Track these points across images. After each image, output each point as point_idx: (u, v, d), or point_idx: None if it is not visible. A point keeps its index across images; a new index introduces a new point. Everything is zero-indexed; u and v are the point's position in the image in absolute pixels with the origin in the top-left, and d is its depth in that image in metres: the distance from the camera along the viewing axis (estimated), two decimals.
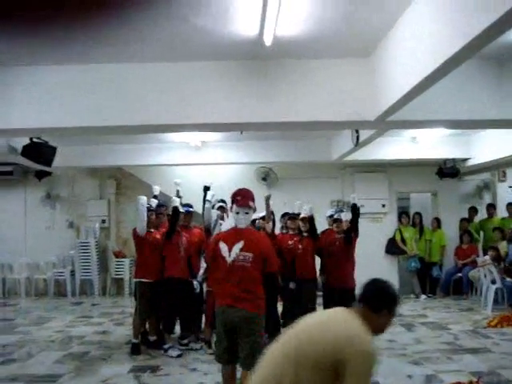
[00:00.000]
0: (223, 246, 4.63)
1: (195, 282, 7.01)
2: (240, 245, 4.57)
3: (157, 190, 8.01)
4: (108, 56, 5.36)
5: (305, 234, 7.16)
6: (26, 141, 7.56)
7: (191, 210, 7.68)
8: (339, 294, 7.00)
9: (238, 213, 4.69)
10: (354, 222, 7.07)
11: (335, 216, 7.28)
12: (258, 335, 4.57)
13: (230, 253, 4.57)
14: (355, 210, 7.12)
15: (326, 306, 7.46)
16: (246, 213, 4.70)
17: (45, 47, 5.07)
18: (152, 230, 7.11)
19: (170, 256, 6.84)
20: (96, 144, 9.76)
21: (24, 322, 9.19)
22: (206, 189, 7.23)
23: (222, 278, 4.62)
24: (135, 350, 6.89)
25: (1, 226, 12.05)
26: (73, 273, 12.00)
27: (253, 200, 4.78)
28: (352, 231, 7.05)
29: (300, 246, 7.10)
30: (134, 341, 6.98)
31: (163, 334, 7.03)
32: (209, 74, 5.55)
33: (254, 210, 4.82)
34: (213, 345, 6.94)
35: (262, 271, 4.63)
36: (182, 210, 7.00)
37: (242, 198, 4.74)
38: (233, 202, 4.76)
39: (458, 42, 3.43)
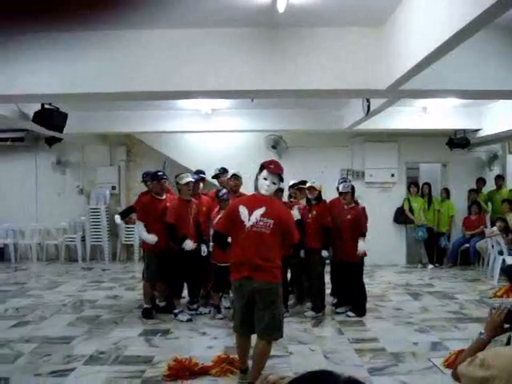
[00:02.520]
0: (243, 210, 4.51)
1: (203, 247, 7.03)
2: (261, 210, 4.46)
3: (117, 219, 8.33)
4: (120, 22, 5.32)
5: (313, 202, 7.19)
6: (38, 107, 7.59)
7: (202, 176, 7.67)
8: (347, 268, 7.08)
9: (266, 179, 4.54)
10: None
11: (340, 189, 7.25)
12: (278, 305, 4.55)
13: (250, 217, 4.45)
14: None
15: (334, 278, 7.56)
16: (274, 183, 4.57)
17: (55, 14, 5.05)
18: (159, 197, 7.15)
19: (178, 224, 6.77)
20: (106, 110, 9.76)
21: (36, 286, 9.35)
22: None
23: (239, 245, 4.52)
24: (147, 315, 7.02)
25: (12, 193, 12.17)
26: (83, 238, 12.15)
27: (282, 174, 4.67)
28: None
29: (310, 215, 7.13)
30: (146, 306, 7.10)
31: (172, 299, 7.13)
32: (221, 40, 5.52)
33: (281, 189, 4.72)
34: (222, 309, 7.11)
35: (282, 242, 4.55)
36: (191, 178, 6.97)
37: (275, 166, 4.61)
38: (262, 168, 4.59)
39: (473, 10, 3.40)
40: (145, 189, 7.78)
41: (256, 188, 4.70)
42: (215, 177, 8.04)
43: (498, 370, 1.97)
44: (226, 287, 7.11)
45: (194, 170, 9.36)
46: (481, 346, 2.30)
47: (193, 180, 6.97)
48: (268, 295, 4.46)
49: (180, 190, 7.00)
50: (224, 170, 7.89)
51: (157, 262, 6.98)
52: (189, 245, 6.73)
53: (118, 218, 8.28)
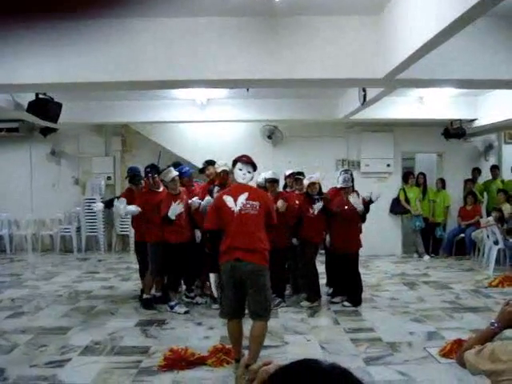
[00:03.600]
0: (229, 199, 4.75)
1: (197, 233, 7.00)
2: (245, 195, 4.74)
3: (98, 206, 8.13)
4: (115, 11, 5.28)
5: (316, 197, 7.13)
6: (32, 97, 7.54)
7: (188, 172, 7.51)
8: (343, 258, 7.08)
9: (241, 169, 4.88)
10: (364, 216, 7.16)
11: (339, 183, 7.21)
12: (268, 287, 4.72)
13: (236, 203, 4.71)
14: (370, 203, 7.15)
15: (329, 268, 7.56)
16: (249, 171, 4.89)
17: (51, 3, 5.00)
18: (157, 190, 7.09)
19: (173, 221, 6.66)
20: (101, 100, 9.70)
21: (31, 277, 9.33)
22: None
23: (230, 232, 4.68)
24: (148, 305, 7.01)
25: (7, 183, 12.11)
26: (78, 229, 12.12)
27: (255, 165, 4.98)
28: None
29: (311, 210, 7.08)
30: (147, 296, 7.09)
31: (167, 290, 7.10)
32: (217, 29, 5.48)
33: (252, 178, 4.97)
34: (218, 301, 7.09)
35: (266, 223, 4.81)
36: (175, 173, 6.84)
37: (247, 158, 4.96)
38: (236, 162, 4.94)
39: None
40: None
41: (233, 180, 5.05)
42: (202, 170, 7.70)
43: (508, 365, 1.97)
44: (213, 270, 7.08)
45: (189, 160, 9.36)
46: (490, 336, 2.30)
47: (177, 174, 6.86)
48: (260, 277, 4.63)
49: (167, 187, 6.93)
50: (210, 162, 7.65)
51: (162, 255, 6.90)
52: (199, 237, 6.93)
53: (99, 206, 8.10)
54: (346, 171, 7.61)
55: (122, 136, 12.43)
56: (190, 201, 6.89)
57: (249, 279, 4.59)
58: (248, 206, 4.69)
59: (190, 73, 5.59)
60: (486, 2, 3.34)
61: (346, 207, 7.06)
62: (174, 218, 6.57)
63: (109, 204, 8.05)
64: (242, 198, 4.71)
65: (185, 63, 5.52)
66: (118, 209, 7.04)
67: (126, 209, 6.98)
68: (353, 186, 7.26)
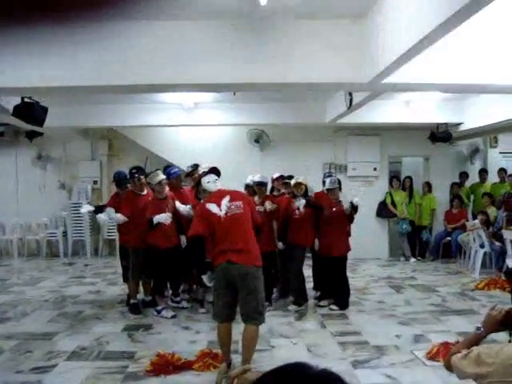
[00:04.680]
0: (212, 206, 4.79)
1: (182, 238, 6.95)
2: (227, 198, 4.82)
3: (86, 207, 8.17)
4: (102, 15, 5.24)
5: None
6: (18, 101, 7.48)
7: (176, 173, 7.44)
8: (331, 262, 7.09)
9: (208, 181, 5.07)
10: (351, 216, 7.18)
11: (326, 185, 7.21)
12: (261, 290, 4.73)
13: (221, 207, 4.75)
14: (355, 208, 7.16)
15: (316, 272, 7.57)
16: (216, 179, 5.09)
17: (40, 5, 4.97)
18: (140, 193, 7.04)
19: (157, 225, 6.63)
20: (88, 104, 9.65)
21: (17, 282, 9.26)
22: None
23: (219, 236, 4.70)
24: (135, 310, 6.98)
25: None
26: (65, 234, 12.05)
27: (217, 171, 5.23)
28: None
29: (297, 212, 7.09)
30: (133, 301, 7.06)
31: (154, 296, 7.08)
32: (202, 33, 5.47)
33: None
34: (205, 304, 7.08)
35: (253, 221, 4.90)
36: (162, 176, 6.81)
37: (208, 169, 5.22)
38: (199, 182, 5.27)
39: (455, 4, 3.40)
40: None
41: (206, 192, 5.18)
42: (188, 174, 7.61)
43: (493, 368, 1.99)
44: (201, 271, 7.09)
45: (176, 164, 9.32)
46: (476, 340, 2.33)
47: (164, 178, 6.82)
48: (253, 279, 4.63)
49: (153, 190, 6.87)
50: (197, 166, 7.63)
51: (142, 260, 6.88)
52: (184, 242, 6.86)
53: (86, 207, 8.09)
54: (329, 174, 7.65)
55: (109, 140, 12.38)
56: (178, 207, 6.85)
57: (241, 281, 4.60)
58: (233, 207, 4.76)
59: (175, 77, 5.58)
60: (471, 6, 3.36)
61: (334, 209, 7.08)
62: (155, 222, 6.55)
63: (98, 211, 7.99)
64: (225, 202, 4.78)
65: (170, 67, 5.50)
66: (101, 219, 7.09)
67: (114, 217, 7.01)
68: (340, 189, 7.27)
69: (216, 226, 4.71)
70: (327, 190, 7.19)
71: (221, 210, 4.73)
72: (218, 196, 4.88)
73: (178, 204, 6.89)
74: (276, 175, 7.79)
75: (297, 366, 1.09)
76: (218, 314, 4.83)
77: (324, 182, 7.39)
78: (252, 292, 4.61)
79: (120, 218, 6.90)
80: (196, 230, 4.85)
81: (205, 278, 6.75)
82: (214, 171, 5.16)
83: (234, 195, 4.93)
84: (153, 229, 6.58)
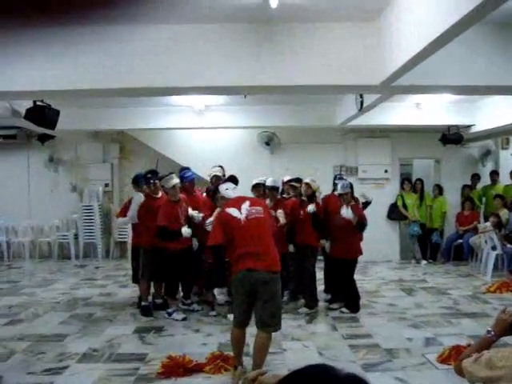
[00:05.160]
0: (232, 210, 4.76)
1: (194, 241, 6.98)
2: (247, 203, 4.80)
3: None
4: (112, 18, 5.28)
5: (304, 199, 7.16)
6: (30, 104, 7.54)
7: (190, 177, 7.39)
8: (341, 265, 7.07)
9: (227, 188, 5.09)
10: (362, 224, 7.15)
11: (338, 190, 7.16)
12: (279, 295, 4.74)
13: (241, 211, 4.72)
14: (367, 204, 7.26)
15: (328, 275, 7.55)
16: (234, 187, 5.17)
17: (47, 9, 5.01)
18: (155, 196, 7.10)
19: (171, 226, 6.60)
20: (99, 107, 9.71)
21: (29, 284, 9.31)
22: None
23: (239, 240, 4.65)
24: (146, 312, 6.99)
25: (5, 190, 12.05)
26: (76, 236, 12.10)
27: (233, 179, 5.52)
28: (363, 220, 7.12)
29: (302, 212, 7.10)
30: (144, 303, 7.08)
31: (166, 298, 7.11)
32: (214, 36, 5.49)
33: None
34: (216, 306, 7.09)
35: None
36: (176, 180, 6.83)
37: (224, 179, 5.42)
38: (216, 191, 5.43)
39: (465, 6, 3.40)
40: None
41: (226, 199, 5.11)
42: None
43: (505, 372, 1.98)
44: (218, 285, 7.10)
45: (187, 166, 9.32)
46: (487, 343, 2.32)
47: (178, 181, 6.84)
48: (272, 285, 4.60)
49: (167, 193, 6.88)
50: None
51: (153, 263, 6.92)
52: (186, 231, 6.62)
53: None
54: (340, 177, 7.62)
55: (120, 143, 12.42)
56: (191, 213, 6.86)
57: (261, 288, 4.54)
58: (253, 211, 4.74)
59: (185, 80, 5.60)
60: (481, 9, 3.35)
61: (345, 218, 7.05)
62: (186, 235, 6.65)
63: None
64: (245, 206, 4.76)
65: (179, 70, 5.52)
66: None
67: (126, 218, 7.26)
68: (352, 193, 7.24)
69: (236, 230, 4.66)
70: (339, 195, 7.16)
71: (241, 214, 4.70)
72: (237, 201, 4.86)
73: (190, 211, 6.90)
74: (286, 178, 7.76)
75: (321, 368, 1.07)
76: (239, 320, 4.76)
77: (335, 185, 7.37)
78: (271, 298, 4.57)
79: (131, 214, 7.09)
80: (215, 239, 4.81)
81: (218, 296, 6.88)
82: (232, 180, 5.25)
83: (254, 201, 4.96)
84: (164, 236, 6.60)
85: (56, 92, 6.05)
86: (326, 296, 7.64)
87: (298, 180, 7.49)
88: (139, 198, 7.10)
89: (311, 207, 7.01)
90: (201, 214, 6.89)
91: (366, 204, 7.54)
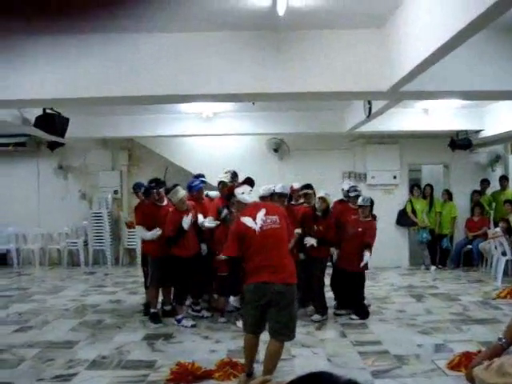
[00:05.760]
0: (247, 219, 4.63)
1: (203, 246, 6.98)
2: (263, 212, 4.64)
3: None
4: (121, 27, 5.32)
5: (319, 214, 7.08)
6: (39, 112, 7.59)
7: (198, 186, 7.35)
8: (349, 276, 7.05)
9: (243, 192, 4.90)
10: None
11: (359, 202, 7.15)
12: (293, 306, 4.63)
13: (256, 221, 4.58)
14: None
15: (334, 284, 7.50)
16: (250, 190, 5.00)
17: (57, 19, 5.04)
18: (160, 204, 7.08)
19: (179, 235, 6.63)
20: (108, 115, 9.78)
21: (39, 291, 9.35)
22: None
23: (254, 251, 4.55)
24: (155, 319, 6.99)
25: (15, 197, 12.13)
26: (86, 243, 12.14)
27: (250, 182, 5.35)
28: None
29: (315, 227, 7.02)
30: (154, 310, 7.08)
31: (174, 305, 7.10)
32: (222, 44, 5.52)
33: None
34: (225, 313, 7.08)
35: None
36: (183, 192, 6.83)
37: (239, 183, 5.23)
38: (232, 194, 5.16)
39: (473, 10, 3.39)
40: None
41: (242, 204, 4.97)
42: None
43: None
44: (233, 293, 7.08)
45: (195, 173, 9.36)
46: (498, 351, 2.30)
47: (185, 193, 6.83)
48: (287, 296, 4.53)
49: (175, 205, 6.81)
50: (235, 175, 7.64)
51: (161, 269, 6.93)
52: (185, 221, 6.57)
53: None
54: (355, 189, 7.54)
55: (129, 150, 12.48)
56: (201, 223, 6.90)
57: (275, 300, 4.47)
58: (269, 221, 4.58)
59: (194, 87, 5.61)
60: (489, 14, 3.35)
61: (360, 229, 7.03)
62: (186, 227, 6.56)
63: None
64: (261, 215, 4.60)
65: (188, 77, 5.54)
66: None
67: (145, 236, 7.08)
68: (371, 210, 7.25)
69: (251, 241, 4.56)
70: (359, 206, 7.14)
71: (256, 224, 4.57)
72: (253, 209, 4.71)
73: (200, 219, 6.93)
74: (295, 185, 7.68)
75: (322, 376, 1.08)
76: (250, 328, 4.73)
77: (348, 196, 7.37)
78: (285, 309, 4.50)
79: (151, 235, 6.93)
80: (229, 251, 4.81)
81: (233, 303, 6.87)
82: (249, 182, 5.09)
83: (270, 209, 4.75)
84: (173, 244, 6.61)
85: (64, 100, 6.07)
86: (334, 303, 7.59)
87: (309, 186, 7.47)
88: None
89: (309, 240, 6.96)
90: (208, 218, 6.91)
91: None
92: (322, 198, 7.06)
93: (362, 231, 7.02)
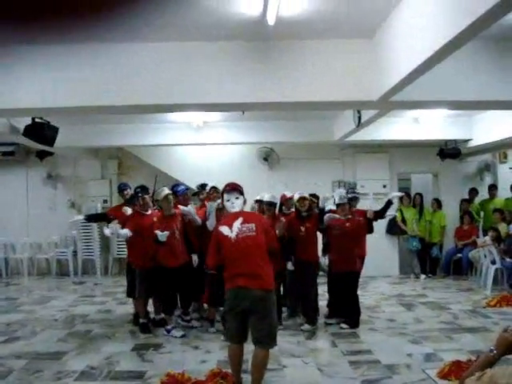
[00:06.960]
0: (223, 229, 4.69)
1: (194, 257, 6.94)
2: (239, 221, 4.67)
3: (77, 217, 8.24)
4: (112, 36, 5.33)
5: (304, 214, 7.11)
6: (28, 121, 7.57)
7: (183, 190, 7.40)
8: (344, 278, 7.04)
9: (228, 200, 4.83)
10: (382, 213, 7.49)
11: (336, 201, 7.16)
12: (273, 313, 4.62)
13: (232, 229, 4.63)
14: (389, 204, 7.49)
15: (331, 289, 7.49)
16: (237, 198, 4.83)
17: (49, 27, 5.03)
18: (145, 213, 6.96)
19: (167, 241, 6.53)
20: (97, 124, 9.75)
21: (27, 301, 9.27)
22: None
23: (230, 260, 4.61)
24: (145, 329, 6.94)
25: (3, 207, 12.09)
26: (75, 253, 12.07)
27: (241, 188, 4.91)
28: (377, 219, 7.29)
29: (302, 229, 7.06)
30: (142, 320, 7.03)
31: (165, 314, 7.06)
32: (211, 54, 5.53)
33: (245, 201, 4.92)
34: (215, 323, 7.04)
35: (267, 246, 4.70)
36: (168, 191, 6.83)
37: (230, 185, 4.91)
38: (222, 194, 4.93)
39: (461, 21, 3.42)
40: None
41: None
42: (195, 194, 7.96)
43: None
44: (221, 302, 7.03)
45: (186, 182, 9.37)
46: (489, 362, 2.30)
47: (171, 192, 6.83)
48: (266, 303, 4.52)
49: (161, 207, 6.84)
50: (204, 186, 7.75)
51: (148, 280, 6.87)
52: (160, 234, 6.44)
53: (77, 218, 8.23)
54: (353, 191, 7.71)
55: (119, 159, 12.46)
56: (182, 209, 6.88)
57: (253, 307, 4.48)
58: (244, 229, 4.61)
59: (183, 97, 5.63)
60: (477, 25, 3.38)
61: (348, 224, 7.04)
62: (163, 240, 6.46)
63: (91, 218, 8.48)
64: (237, 224, 4.63)
65: (178, 87, 5.56)
66: (105, 231, 7.12)
67: (119, 232, 6.99)
68: (353, 206, 7.34)
69: (227, 249, 4.62)
70: (337, 205, 7.16)
71: (231, 232, 4.62)
72: (230, 218, 4.76)
73: (181, 207, 6.94)
74: (288, 194, 7.62)
75: None
76: (229, 336, 4.76)
77: (333, 199, 7.38)
78: (264, 317, 4.50)
79: (123, 232, 6.84)
80: (209, 260, 4.87)
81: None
82: (238, 189, 4.88)
83: (247, 217, 4.75)
84: (159, 245, 6.57)
85: (53, 109, 6.07)
86: (326, 311, 7.56)
87: (314, 196, 7.64)
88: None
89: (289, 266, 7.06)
90: (189, 206, 7.04)
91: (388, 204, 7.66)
92: (302, 198, 7.08)
93: (350, 226, 7.03)
